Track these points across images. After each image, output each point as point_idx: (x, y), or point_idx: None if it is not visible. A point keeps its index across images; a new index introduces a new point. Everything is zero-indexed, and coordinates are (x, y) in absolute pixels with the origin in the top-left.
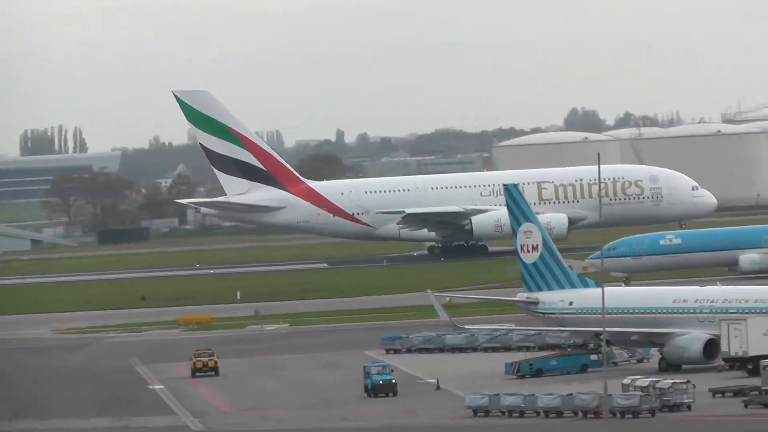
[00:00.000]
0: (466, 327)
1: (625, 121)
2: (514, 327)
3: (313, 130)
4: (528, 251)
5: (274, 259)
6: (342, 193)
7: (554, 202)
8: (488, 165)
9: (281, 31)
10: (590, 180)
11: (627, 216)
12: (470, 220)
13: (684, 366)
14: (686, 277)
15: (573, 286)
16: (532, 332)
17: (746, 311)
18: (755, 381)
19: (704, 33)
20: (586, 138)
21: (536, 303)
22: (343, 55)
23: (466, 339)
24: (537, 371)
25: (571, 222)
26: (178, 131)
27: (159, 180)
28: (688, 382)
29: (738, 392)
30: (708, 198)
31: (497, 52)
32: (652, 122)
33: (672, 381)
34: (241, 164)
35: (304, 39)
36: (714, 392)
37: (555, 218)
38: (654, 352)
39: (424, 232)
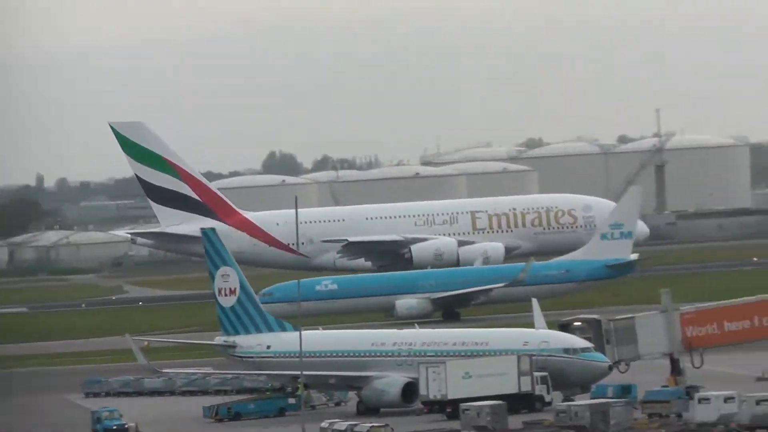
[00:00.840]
0: (164, 371)
1: (323, 164)
2: (211, 371)
3: (10, 176)
4: (225, 295)
5: None
6: (278, 224)
7: (488, 232)
8: None
9: None
10: (523, 209)
11: (561, 244)
12: (410, 249)
13: (382, 409)
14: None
15: (270, 329)
16: (230, 376)
17: (445, 354)
18: (454, 424)
19: (398, 76)
20: (283, 181)
21: (234, 346)
22: None
23: (165, 382)
24: (235, 415)
25: (506, 251)
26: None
27: None
28: (387, 425)
29: None
30: (640, 227)
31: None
32: (350, 165)
33: (370, 424)
34: (176, 195)
35: None
36: None
37: (492, 247)
38: (352, 395)
39: (361, 262)
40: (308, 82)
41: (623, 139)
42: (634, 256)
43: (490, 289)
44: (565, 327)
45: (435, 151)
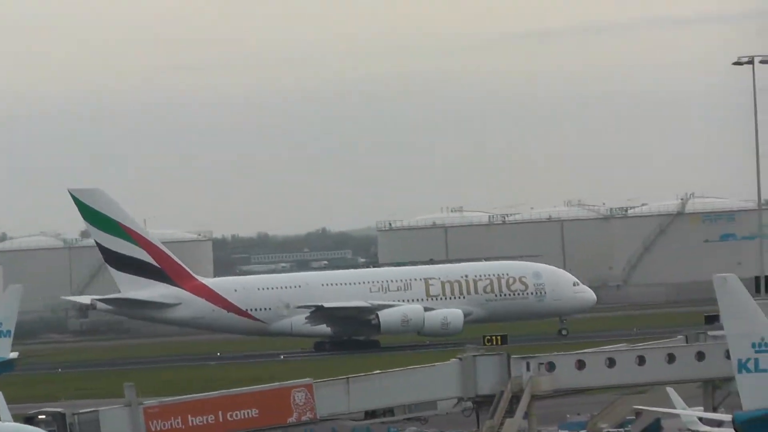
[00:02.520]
0: None
1: None
2: None
3: None
4: None
5: None
6: (235, 290)
7: (441, 298)
8: None
9: None
10: (475, 276)
11: (511, 311)
12: (377, 315)
13: None
14: None
15: None
16: None
17: None
18: None
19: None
20: None
21: None
22: None
23: None
24: None
25: None
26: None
27: None
28: None
29: None
30: (588, 293)
31: None
32: None
33: None
34: (134, 261)
35: None
36: None
37: (452, 313)
38: None
39: (321, 328)
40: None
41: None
42: (14, 355)
43: None
44: (30, 420)
45: None
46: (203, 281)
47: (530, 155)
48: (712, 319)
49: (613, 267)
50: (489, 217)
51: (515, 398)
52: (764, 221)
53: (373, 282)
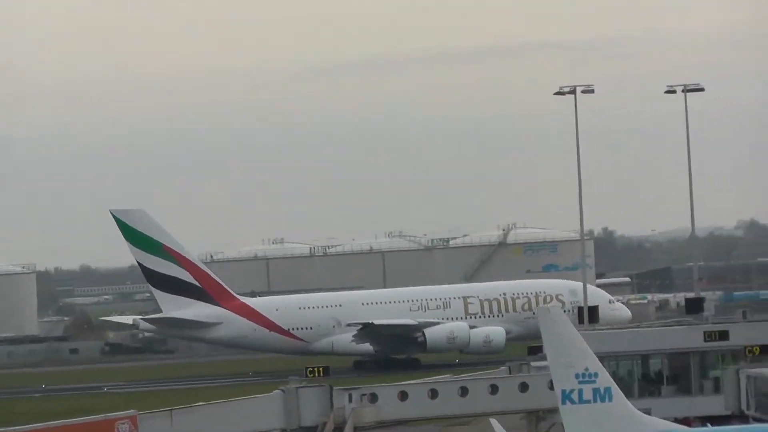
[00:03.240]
0: None
1: None
2: None
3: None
4: None
5: None
6: (276, 309)
7: (480, 316)
8: None
9: None
10: (513, 294)
11: None
12: (423, 333)
13: None
14: None
15: None
16: None
17: None
18: None
19: None
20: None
21: None
22: None
23: None
24: None
25: None
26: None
27: None
28: None
29: None
30: (623, 310)
31: None
32: None
33: None
34: (176, 281)
35: None
36: None
37: (494, 331)
38: None
39: (364, 346)
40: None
41: None
42: None
43: None
44: None
45: None
46: (245, 301)
47: (351, 186)
48: (535, 350)
49: None
50: (310, 248)
51: (338, 430)
52: (587, 252)
53: (412, 301)
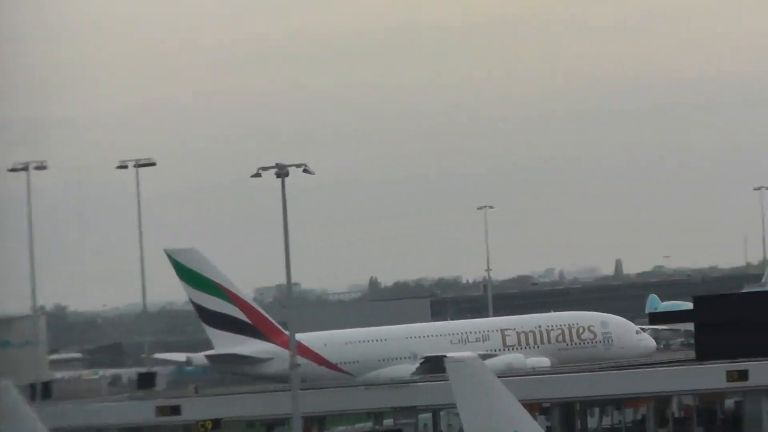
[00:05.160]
0: None
1: None
2: None
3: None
4: None
5: None
6: (325, 344)
7: (517, 348)
8: None
9: None
10: (548, 326)
11: (582, 359)
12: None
13: None
14: None
15: None
16: None
17: None
18: None
19: None
20: None
21: None
22: None
23: None
24: None
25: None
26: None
27: None
28: None
29: None
30: (649, 341)
31: None
32: None
33: None
34: (229, 318)
35: None
36: None
37: (539, 362)
38: None
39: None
40: None
41: None
42: None
43: None
44: None
45: None
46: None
47: None
48: None
49: None
50: None
51: None
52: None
53: (453, 334)
